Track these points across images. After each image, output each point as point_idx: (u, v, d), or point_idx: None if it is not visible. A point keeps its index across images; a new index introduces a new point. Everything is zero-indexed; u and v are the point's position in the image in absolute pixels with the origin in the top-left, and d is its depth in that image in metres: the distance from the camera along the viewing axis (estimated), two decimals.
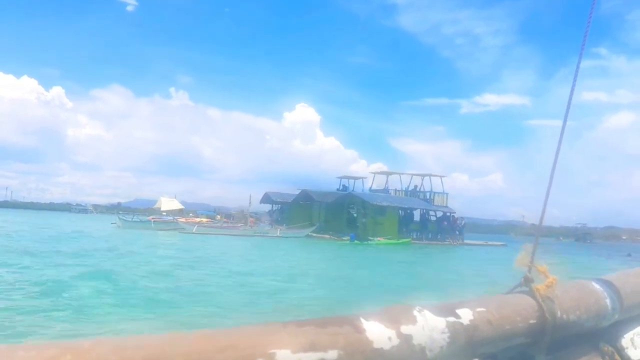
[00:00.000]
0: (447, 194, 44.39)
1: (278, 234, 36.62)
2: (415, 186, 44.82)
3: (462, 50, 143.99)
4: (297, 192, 46.14)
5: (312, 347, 0.71)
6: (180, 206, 42.80)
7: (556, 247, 32.25)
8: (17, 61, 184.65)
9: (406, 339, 0.82)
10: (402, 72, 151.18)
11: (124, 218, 40.99)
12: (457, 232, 42.65)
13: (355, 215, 41.69)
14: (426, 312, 0.88)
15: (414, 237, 40.71)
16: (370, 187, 45.82)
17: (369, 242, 34.69)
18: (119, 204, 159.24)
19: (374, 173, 46.67)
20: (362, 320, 0.80)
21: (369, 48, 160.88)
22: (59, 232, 29.11)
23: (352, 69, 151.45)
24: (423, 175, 45.18)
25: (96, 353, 0.57)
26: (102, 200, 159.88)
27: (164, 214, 43.74)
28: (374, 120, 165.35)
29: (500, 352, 1.07)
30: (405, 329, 0.83)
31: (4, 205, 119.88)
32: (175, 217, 40.08)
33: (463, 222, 43.87)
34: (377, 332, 0.80)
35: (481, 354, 1.00)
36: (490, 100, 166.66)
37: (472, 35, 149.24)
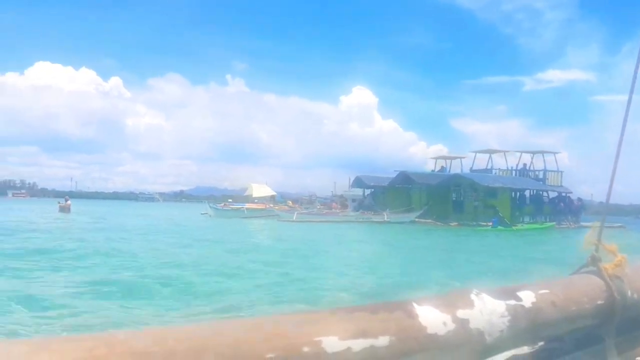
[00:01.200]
0: (561, 172, 40.01)
1: (386, 219, 33.53)
2: (524, 165, 40.67)
3: (523, 26, 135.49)
4: (385, 175, 43.12)
5: (361, 334, 0.69)
6: (272, 192, 40.34)
7: None
8: (75, 53, 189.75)
9: (462, 323, 0.79)
10: (461, 51, 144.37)
11: (215, 207, 39.02)
12: (575, 214, 38.30)
13: (461, 198, 38.15)
14: (484, 296, 0.85)
15: (525, 220, 36.72)
16: (471, 168, 41.98)
17: (514, 228, 30.82)
18: (181, 191, 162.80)
19: (475, 152, 42.74)
20: (415, 305, 0.78)
21: (426, 28, 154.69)
22: (162, 225, 27.20)
23: (409, 50, 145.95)
24: (533, 153, 40.80)
25: (134, 344, 0.54)
26: (164, 188, 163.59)
27: (230, 200, 41.73)
28: (433, 101, 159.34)
29: (567, 334, 1.05)
30: (461, 313, 0.80)
31: (70, 196, 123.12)
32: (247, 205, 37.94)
33: (581, 202, 39.35)
34: (431, 317, 0.77)
35: (546, 337, 0.98)
36: (554, 76, 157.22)
37: (533, 10, 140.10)
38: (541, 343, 1.01)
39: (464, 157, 43.36)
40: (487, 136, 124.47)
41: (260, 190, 39.47)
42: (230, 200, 43.24)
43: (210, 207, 38.87)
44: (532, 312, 0.90)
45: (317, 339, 0.65)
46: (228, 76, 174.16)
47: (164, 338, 0.57)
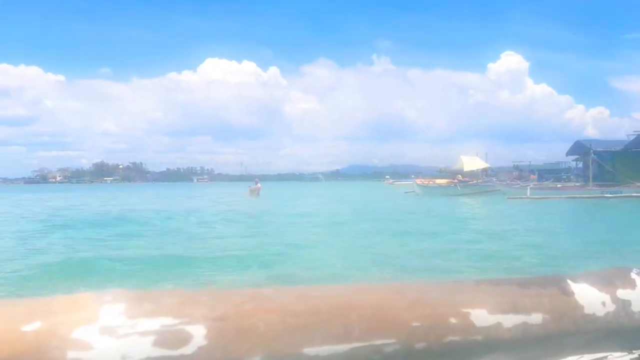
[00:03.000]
0: None
1: None
2: None
3: None
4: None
5: (512, 309, 0.64)
6: (484, 165, 37.07)
7: None
8: (238, 47, 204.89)
9: (624, 305, 0.72)
10: (625, 1, 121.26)
11: (422, 184, 37.16)
12: None
13: None
14: None
15: None
16: None
17: None
18: (337, 170, 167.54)
19: None
20: (569, 282, 0.72)
21: None
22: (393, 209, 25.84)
23: (563, 6, 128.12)
24: None
25: (279, 301, 0.55)
26: (321, 168, 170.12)
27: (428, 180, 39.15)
28: (591, 61, 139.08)
29: None
30: (622, 293, 0.73)
31: (240, 180, 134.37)
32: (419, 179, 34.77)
33: None
34: (589, 295, 0.71)
35: None
36: None
37: None
38: None
39: None
40: None
41: (472, 163, 36.40)
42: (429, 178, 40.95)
43: (416, 184, 37.16)
44: None
45: (464, 310, 0.61)
46: (374, 56, 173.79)
47: (308, 296, 0.57)
